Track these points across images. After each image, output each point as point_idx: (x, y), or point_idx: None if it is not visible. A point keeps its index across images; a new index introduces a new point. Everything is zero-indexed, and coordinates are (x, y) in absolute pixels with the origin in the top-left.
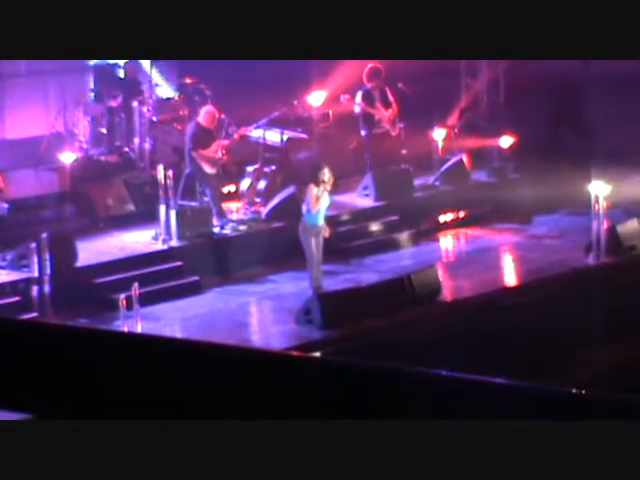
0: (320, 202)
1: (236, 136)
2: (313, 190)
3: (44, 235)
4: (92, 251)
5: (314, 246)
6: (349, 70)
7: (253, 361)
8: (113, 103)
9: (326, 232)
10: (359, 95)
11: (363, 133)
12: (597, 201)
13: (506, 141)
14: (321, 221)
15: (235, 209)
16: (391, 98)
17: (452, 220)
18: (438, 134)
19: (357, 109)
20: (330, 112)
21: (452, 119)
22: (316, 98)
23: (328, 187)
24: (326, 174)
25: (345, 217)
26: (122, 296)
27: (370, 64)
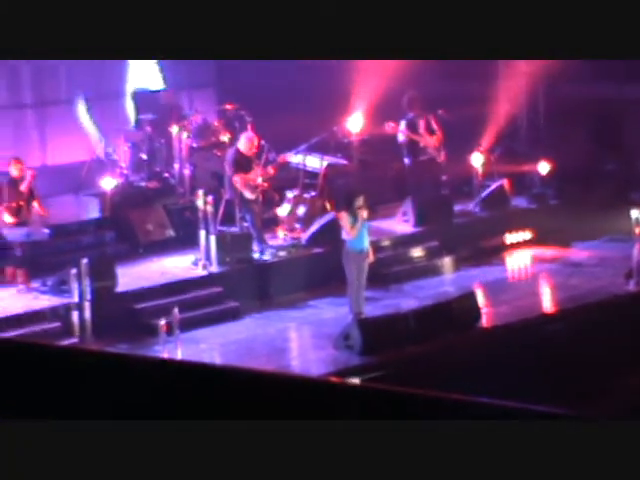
0: (356, 229)
1: (277, 163)
2: (345, 217)
3: (84, 260)
4: (132, 276)
5: (357, 271)
6: (388, 95)
7: (291, 386)
8: (148, 128)
9: (370, 258)
10: (403, 123)
11: (407, 161)
12: (637, 227)
13: (544, 167)
14: (365, 246)
15: (282, 235)
16: (435, 126)
17: (492, 246)
18: (476, 159)
19: (401, 137)
20: (368, 138)
21: (491, 145)
22: (355, 123)
23: (364, 214)
24: (360, 201)
25: (384, 243)
26: (162, 321)
27: (408, 92)
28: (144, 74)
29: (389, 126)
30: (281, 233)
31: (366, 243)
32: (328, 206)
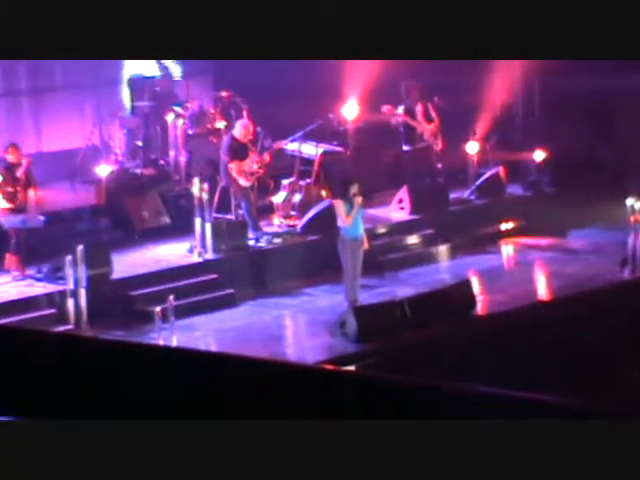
0: (351, 216)
1: (272, 149)
2: (341, 205)
3: (80, 247)
4: (128, 263)
5: (352, 259)
6: (384, 83)
7: (286, 374)
8: (144, 115)
9: (365, 245)
10: (401, 108)
11: (405, 148)
12: (633, 215)
13: (539, 155)
14: (360, 234)
15: (277, 223)
16: (433, 113)
17: (487, 234)
18: (472, 147)
19: (398, 120)
20: (364, 125)
21: (486, 133)
22: (350, 111)
23: (359, 201)
24: (354, 188)
25: (380, 230)
26: (157, 308)
27: (406, 80)
28: (140, 61)
29: (386, 109)
30: (276, 220)
31: (361, 230)
32: (324, 193)
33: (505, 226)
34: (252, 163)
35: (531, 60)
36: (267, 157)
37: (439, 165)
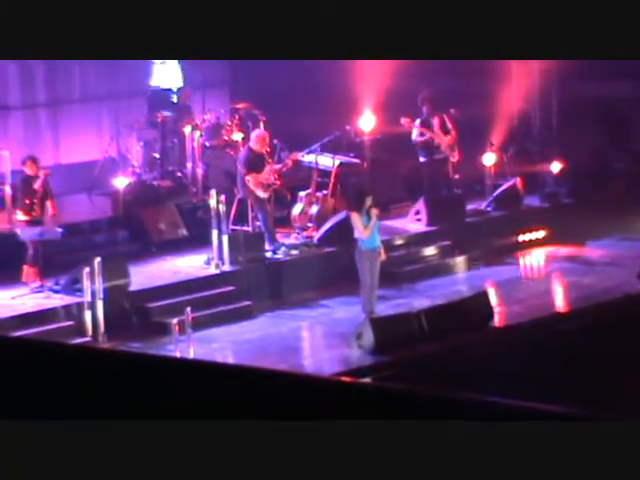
0: (369, 228)
1: (289, 161)
2: (357, 217)
3: (97, 259)
4: (145, 275)
5: (369, 270)
6: (401, 94)
7: (303, 386)
8: (159, 119)
9: (382, 256)
10: (418, 121)
11: (422, 159)
12: None
13: (556, 166)
14: (377, 245)
15: (294, 234)
16: (449, 125)
17: (504, 245)
18: (488, 159)
19: (416, 133)
20: (380, 137)
21: (504, 144)
22: (366, 122)
23: (374, 213)
24: (369, 200)
25: (397, 242)
26: (175, 320)
27: (423, 92)
28: (159, 73)
29: (405, 122)
30: (293, 232)
31: (378, 242)
32: (340, 206)
33: (523, 237)
34: (269, 175)
35: (548, 69)
36: (285, 167)
37: (456, 176)
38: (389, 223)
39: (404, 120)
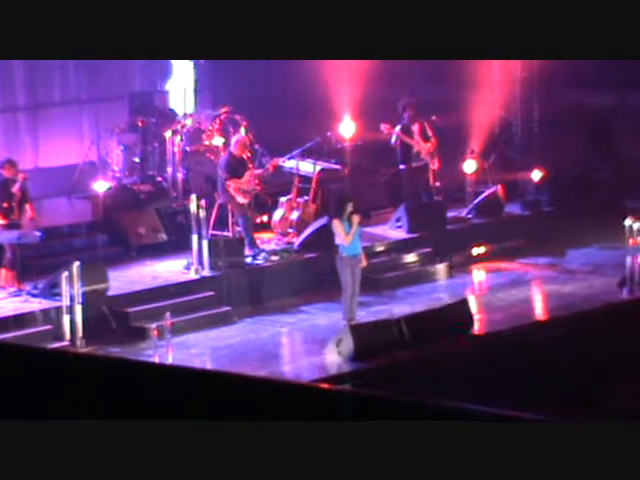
0: (350, 235)
1: (270, 166)
2: (339, 225)
3: (76, 263)
4: (124, 280)
5: (350, 277)
6: (381, 101)
7: (282, 392)
8: (140, 123)
9: (363, 263)
10: (398, 128)
11: (401, 166)
12: (631, 235)
13: (537, 174)
14: (358, 252)
15: (268, 239)
16: (430, 132)
17: (485, 253)
18: (469, 166)
19: (394, 139)
20: (361, 144)
21: (485, 151)
22: (347, 129)
23: (355, 220)
24: (350, 206)
25: (378, 248)
26: (154, 325)
27: (403, 98)
28: (141, 75)
29: (384, 128)
30: (274, 238)
31: (359, 248)
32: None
33: (503, 245)
34: (250, 180)
35: (530, 76)
36: (270, 168)
37: (437, 184)
38: (370, 230)
39: (384, 126)
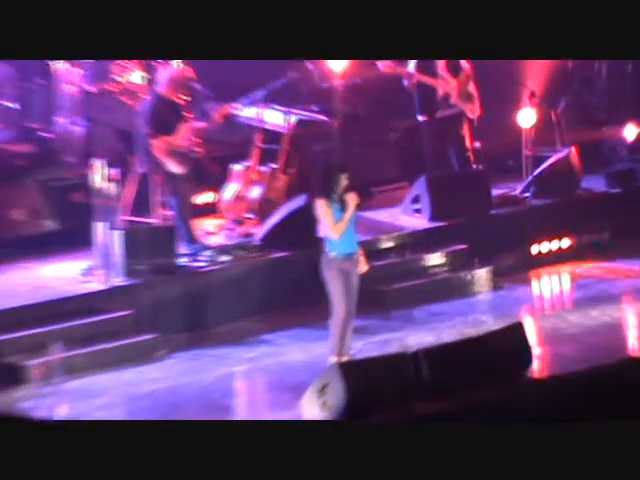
0: (343, 223)
1: (217, 116)
2: (325, 205)
3: None
4: None
5: (343, 288)
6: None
7: None
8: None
9: (362, 266)
10: (412, 65)
11: (420, 118)
12: None
13: (631, 131)
14: (354, 250)
15: (214, 229)
16: (464, 64)
17: (550, 252)
18: (527, 117)
19: (405, 82)
20: (360, 83)
21: (551, 96)
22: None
23: (351, 200)
24: (345, 179)
25: (384, 245)
26: (35, 363)
27: None
28: None
29: (384, 66)
30: (223, 226)
31: (356, 244)
32: (297, 187)
33: (579, 240)
34: (187, 138)
35: None
36: (218, 119)
37: (476, 144)
38: (373, 215)
39: (382, 64)
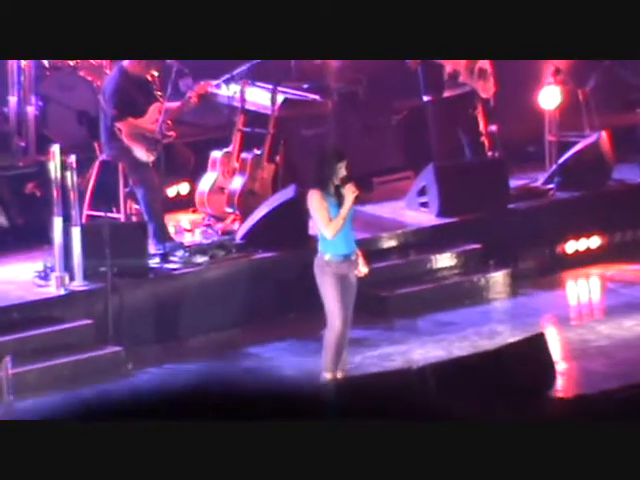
0: (339, 219)
1: (193, 95)
2: (318, 199)
3: None
4: None
5: (337, 294)
6: None
7: None
8: None
9: (361, 269)
10: None
11: (426, 98)
12: None
13: None
14: (352, 250)
15: (189, 226)
16: None
17: (577, 252)
18: (551, 96)
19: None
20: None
21: (578, 72)
22: None
23: (349, 193)
24: (342, 168)
25: (386, 244)
26: None
27: None
28: None
29: None
30: (199, 223)
31: (353, 244)
32: (285, 177)
33: (612, 238)
34: (157, 120)
35: None
36: (193, 98)
37: (492, 127)
38: (372, 210)
39: None
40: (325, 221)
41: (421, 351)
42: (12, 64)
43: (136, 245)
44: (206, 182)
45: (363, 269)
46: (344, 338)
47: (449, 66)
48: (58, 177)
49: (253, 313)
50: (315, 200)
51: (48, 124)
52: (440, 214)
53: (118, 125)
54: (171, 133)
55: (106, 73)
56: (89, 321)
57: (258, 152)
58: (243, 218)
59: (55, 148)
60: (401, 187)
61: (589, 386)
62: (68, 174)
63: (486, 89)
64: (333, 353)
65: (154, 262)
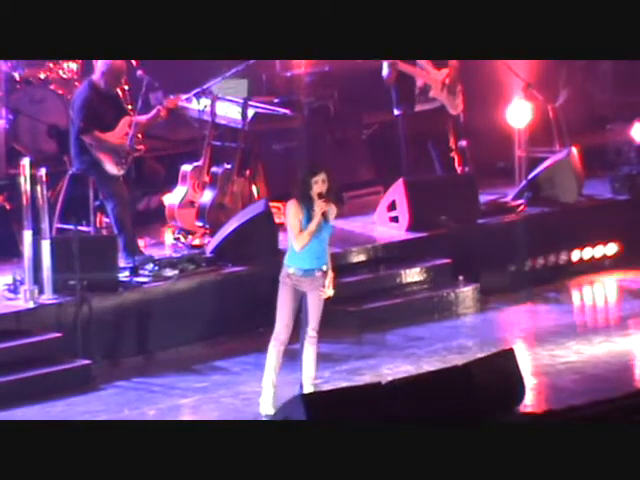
0: (308, 232)
1: (162, 109)
2: (293, 210)
3: None
4: None
5: (288, 307)
6: None
7: None
8: None
9: (326, 289)
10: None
11: (397, 112)
12: None
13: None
14: (315, 265)
15: (158, 239)
16: None
17: (547, 266)
18: (520, 113)
19: (387, 69)
20: (328, 71)
21: (548, 85)
22: None
23: (324, 205)
24: (320, 182)
25: (355, 258)
26: None
27: None
28: None
29: None
30: (169, 236)
31: (319, 260)
32: (255, 190)
33: (579, 254)
34: (127, 134)
35: None
36: (162, 112)
37: (462, 142)
38: (342, 224)
39: None
40: (296, 232)
41: (390, 366)
42: None
43: (106, 258)
44: (176, 196)
45: (328, 291)
46: (308, 350)
47: (420, 80)
48: (28, 190)
49: (222, 327)
50: (290, 210)
51: (18, 137)
52: (409, 229)
53: (87, 138)
54: (141, 147)
55: (76, 87)
56: (58, 334)
57: (228, 166)
58: (213, 232)
59: (25, 161)
60: (371, 202)
61: (558, 402)
62: (38, 187)
63: (454, 106)
64: (270, 366)
65: (124, 275)
